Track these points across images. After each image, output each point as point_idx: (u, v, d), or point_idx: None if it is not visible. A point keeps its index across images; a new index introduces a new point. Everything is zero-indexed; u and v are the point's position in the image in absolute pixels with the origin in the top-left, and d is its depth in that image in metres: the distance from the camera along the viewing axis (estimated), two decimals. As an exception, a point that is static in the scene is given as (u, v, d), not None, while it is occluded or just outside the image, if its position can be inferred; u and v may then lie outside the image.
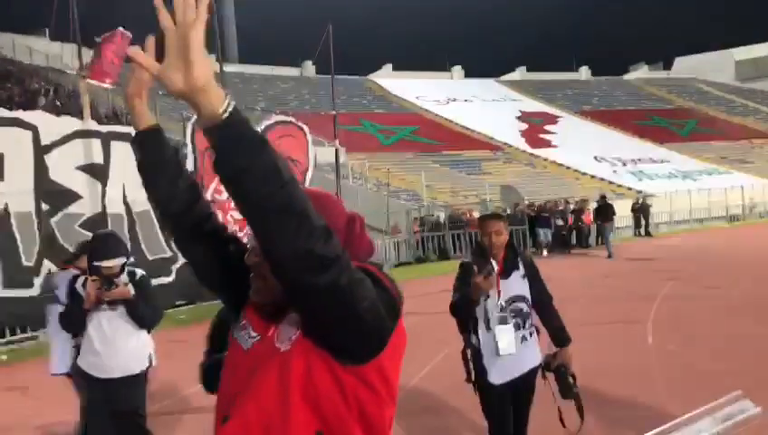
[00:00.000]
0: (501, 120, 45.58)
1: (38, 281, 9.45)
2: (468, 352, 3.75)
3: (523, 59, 62.30)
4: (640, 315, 9.09)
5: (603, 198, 20.91)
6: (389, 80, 54.13)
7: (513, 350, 3.61)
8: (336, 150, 18.88)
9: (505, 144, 41.35)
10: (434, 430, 5.34)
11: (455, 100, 51.01)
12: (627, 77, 62.55)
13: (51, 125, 9.98)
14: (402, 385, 6.62)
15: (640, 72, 63.40)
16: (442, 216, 22.75)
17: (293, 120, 15.79)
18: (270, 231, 1.29)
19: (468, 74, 59.33)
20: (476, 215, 22.83)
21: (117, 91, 20.09)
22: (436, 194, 28.83)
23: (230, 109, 1.25)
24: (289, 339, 1.50)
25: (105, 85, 13.62)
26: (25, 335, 9.92)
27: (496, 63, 60.10)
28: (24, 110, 10.23)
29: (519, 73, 60.19)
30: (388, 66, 57.06)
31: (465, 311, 3.70)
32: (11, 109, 13.13)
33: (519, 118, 47.94)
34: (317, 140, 17.65)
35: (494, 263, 3.69)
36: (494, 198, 26.43)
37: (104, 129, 11.04)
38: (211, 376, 2.32)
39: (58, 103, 28.31)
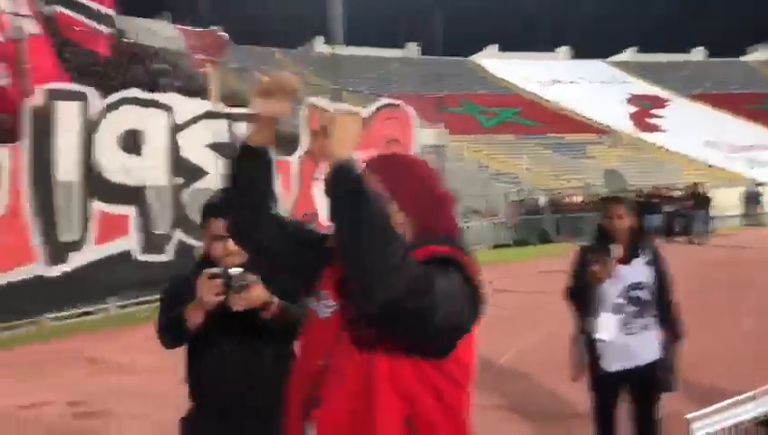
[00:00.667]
0: (608, 103, 44.53)
1: (170, 248, 10.49)
2: (582, 337, 3.67)
3: (635, 39, 60.11)
4: (736, 304, 9.15)
5: (696, 185, 20.86)
6: (493, 61, 53.77)
7: (611, 337, 3.50)
8: (439, 133, 19.32)
9: (611, 128, 40.48)
10: (518, 406, 5.45)
11: (559, 81, 50.13)
12: (744, 59, 59.42)
13: (183, 106, 10.97)
14: (490, 362, 7.01)
15: (759, 54, 60.05)
16: (542, 199, 22.82)
17: (400, 103, 16.39)
18: (367, 269, 1.39)
19: (575, 55, 58.04)
20: (579, 199, 22.77)
21: (233, 71, 21.29)
22: (537, 177, 28.79)
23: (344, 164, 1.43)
24: (370, 334, 1.55)
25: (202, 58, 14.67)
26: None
27: (606, 44, 58.21)
28: (149, 90, 11.27)
29: (629, 54, 58.30)
30: (493, 47, 56.62)
31: (580, 297, 3.65)
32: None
33: (627, 100, 46.66)
34: (419, 121, 18.16)
35: (615, 248, 3.55)
36: (598, 182, 26.16)
37: (230, 110, 12.00)
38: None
39: (177, 84, 30.11)
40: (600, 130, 39.94)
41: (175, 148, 10.62)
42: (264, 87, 1.65)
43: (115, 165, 9.76)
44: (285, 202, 12.63)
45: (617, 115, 42.56)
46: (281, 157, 12.87)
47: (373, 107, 15.67)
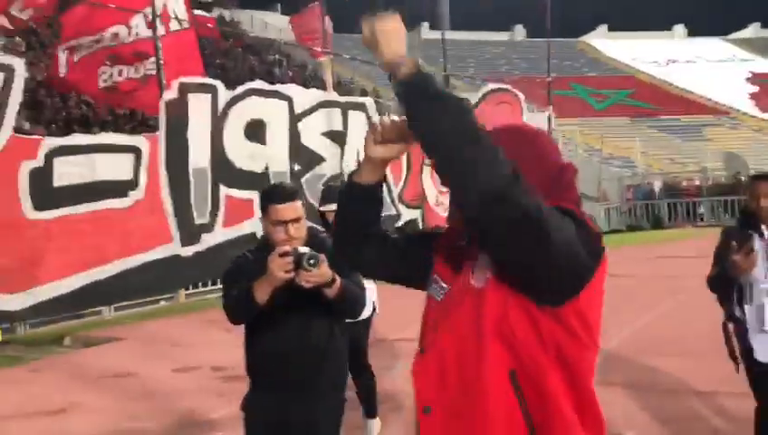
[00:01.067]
0: (727, 83, 42.35)
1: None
2: (731, 326, 3.43)
3: (757, 14, 56.75)
4: None
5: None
6: (604, 41, 52.19)
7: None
8: (549, 117, 19.15)
9: (731, 108, 38.52)
10: (637, 383, 5.52)
11: (675, 61, 48.09)
12: None
13: (301, 96, 11.48)
14: (607, 339, 7.07)
15: None
16: (657, 184, 22.18)
17: (510, 87, 16.35)
18: (458, 173, 1.38)
19: (692, 33, 55.42)
20: (696, 184, 21.95)
21: (338, 61, 21.82)
22: (652, 161, 27.91)
23: (413, 71, 1.44)
24: (485, 278, 1.51)
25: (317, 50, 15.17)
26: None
27: (725, 20, 55.32)
28: (263, 80, 11.82)
29: (752, 30, 55.13)
30: (603, 27, 54.93)
31: (722, 287, 3.42)
32: (251, 79, 15.03)
33: (748, 79, 44.22)
34: (528, 105, 18.05)
35: (764, 229, 3.32)
36: (716, 166, 25.10)
37: (343, 99, 12.42)
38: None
39: (290, 73, 31.17)
40: (719, 111, 38.11)
41: (295, 135, 11.15)
42: (382, 134, 1.65)
43: (241, 152, 10.38)
44: (395, 187, 12.99)
45: (737, 95, 40.43)
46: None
47: (482, 92, 15.72)
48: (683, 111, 37.57)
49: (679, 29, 55.64)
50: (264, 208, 2.75)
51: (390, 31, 1.48)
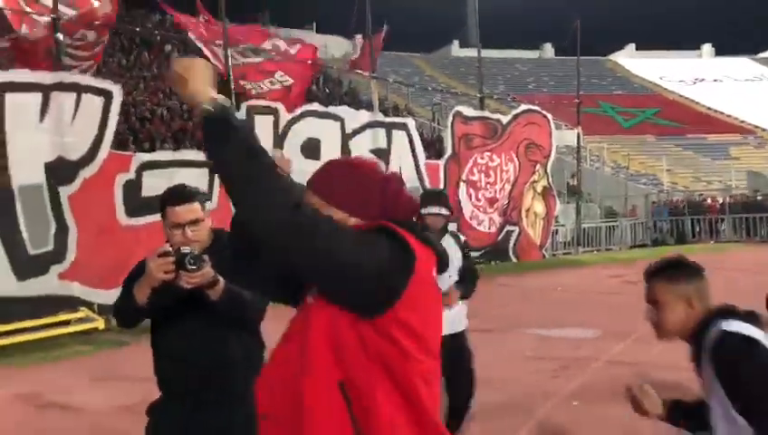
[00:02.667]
0: (755, 102, 42.76)
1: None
2: None
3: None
4: None
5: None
6: (631, 60, 52.85)
7: None
8: (578, 135, 20.09)
9: (758, 127, 38.98)
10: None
11: (702, 80, 48.59)
12: None
13: (352, 117, 12.63)
14: (621, 337, 7.86)
15: None
16: (681, 201, 23.02)
17: (539, 109, 17.34)
18: (239, 201, 1.53)
19: (719, 52, 55.85)
20: (719, 201, 22.70)
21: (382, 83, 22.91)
22: (677, 179, 28.61)
23: (211, 108, 1.52)
24: (315, 292, 1.61)
25: (365, 75, 16.28)
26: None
27: (754, 39, 55.73)
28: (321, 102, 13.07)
29: (780, 49, 55.39)
30: (631, 46, 55.60)
31: None
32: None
33: (777, 99, 44.57)
34: (556, 123, 18.89)
35: None
36: (741, 184, 25.79)
37: (388, 120, 13.57)
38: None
39: (327, 91, 32.39)
40: (745, 130, 38.60)
41: (346, 152, 12.27)
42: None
43: (297, 168, 11.51)
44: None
45: (763, 114, 40.83)
46: (431, 160, 14.28)
47: (513, 113, 16.71)
48: (709, 130, 38.13)
49: (707, 48, 56.09)
50: (161, 211, 2.65)
51: (196, 70, 1.57)
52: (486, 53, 53.05)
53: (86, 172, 8.40)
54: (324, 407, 1.51)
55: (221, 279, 2.46)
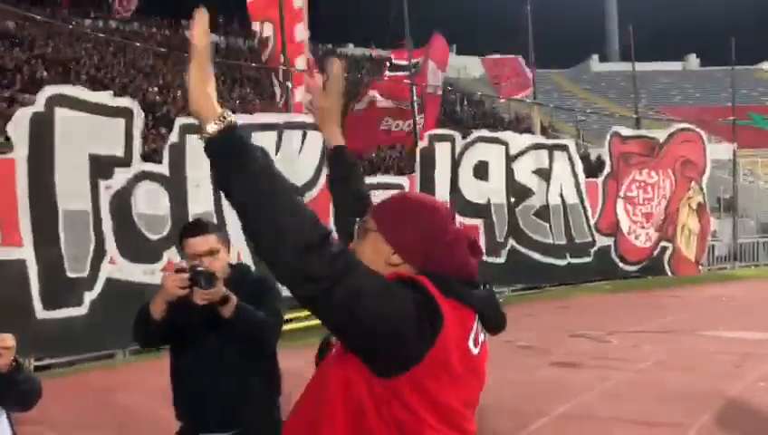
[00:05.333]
0: None
1: (504, 252, 13.31)
2: None
3: None
4: None
5: None
6: (783, 67, 50.44)
7: None
8: (734, 151, 20.16)
9: None
10: None
11: None
12: None
13: (516, 140, 13.84)
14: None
15: None
16: None
17: (693, 127, 17.74)
18: (256, 239, 1.38)
19: None
20: None
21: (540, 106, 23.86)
22: (838, 192, 27.48)
23: (218, 128, 1.40)
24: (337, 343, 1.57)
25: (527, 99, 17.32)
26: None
27: None
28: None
29: None
30: (783, 53, 53.04)
31: None
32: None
33: None
34: (708, 136, 19.05)
35: None
36: None
37: (549, 142, 14.67)
38: None
39: (472, 111, 33.71)
40: None
41: (510, 173, 13.48)
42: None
43: (470, 187, 12.85)
44: (592, 216, 14.90)
45: None
46: (590, 179, 15.16)
47: (668, 132, 17.24)
48: None
49: None
50: (180, 242, 2.85)
51: (205, 84, 1.44)
52: (626, 66, 52.58)
53: (310, 195, 10.10)
54: None
55: (233, 297, 2.59)
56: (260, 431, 2.76)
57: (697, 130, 17.67)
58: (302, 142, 10.13)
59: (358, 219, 1.77)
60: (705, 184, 17.48)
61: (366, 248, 1.59)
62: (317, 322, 1.48)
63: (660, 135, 16.83)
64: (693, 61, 52.54)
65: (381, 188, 11.45)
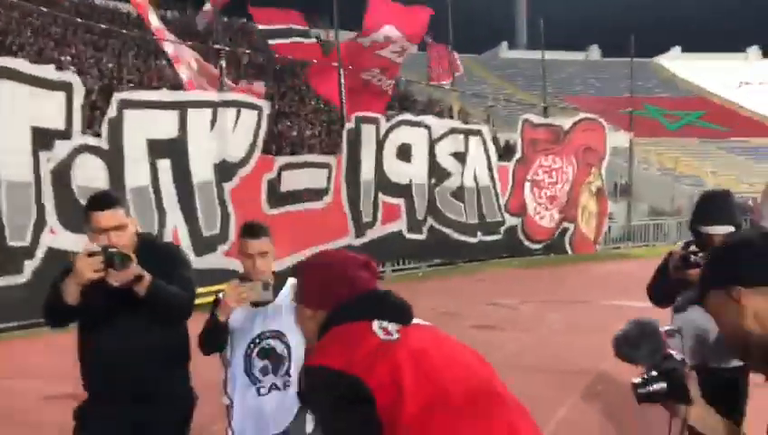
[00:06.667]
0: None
1: (425, 229, 14.09)
2: None
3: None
4: None
5: None
6: (677, 62, 53.79)
7: None
8: (630, 141, 21.74)
9: (802, 131, 39.95)
10: None
11: (748, 83, 49.44)
12: None
13: (437, 124, 14.62)
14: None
15: None
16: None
17: (596, 117, 19.07)
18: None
19: (766, 55, 56.37)
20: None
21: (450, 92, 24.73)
22: (721, 180, 29.98)
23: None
24: None
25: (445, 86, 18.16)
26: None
27: (800, 42, 56.13)
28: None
29: (827, 53, 55.74)
30: (677, 48, 56.46)
31: None
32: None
33: (821, 103, 45.31)
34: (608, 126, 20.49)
35: None
36: (782, 187, 27.13)
37: (465, 126, 15.54)
38: None
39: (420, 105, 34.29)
40: (790, 134, 39.56)
41: (432, 156, 14.25)
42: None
43: (393, 169, 13.53)
44: (502, 197, 15.92)
45: (810, 118, 41.72)
46: (502, 162, 16.14)
47: (573, 120, 18.49)
48: (753, 134, 39.22)
49: (754, 50, 56.63)
50: (85, 216, 2.74)
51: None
52: (534, 54, 54.52)
53: (243, 172, 10.49)
54: None
55: (147, 275, 2.59)
56: (173, 402, 2.85)
57: (599, 119, 19.04)
58: (237, 121, 10.47)
59: None
60: (605, 170, 18.90)
61: (298, 319, 1.95)
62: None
63: (565, 123, 18.04)
64: (595, 52, 55.09)
65: (309, 166, 12.01)
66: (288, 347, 3.06)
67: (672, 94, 47.70)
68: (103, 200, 2.79)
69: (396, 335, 1.74)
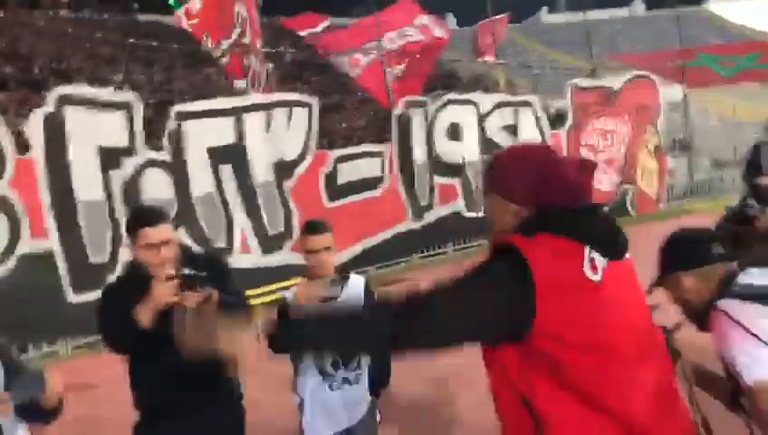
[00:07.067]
0: None
1: (481, 206, 14.18)
2: None
3: None
4: None
5: None
6: (726, 6, 51.90)
7: None
8: (684, 94, 21.21)
9: None
10: None
11: (804, 18, 47.38)
12: None
13: (484, 100, 14.62)
14: None
15: None
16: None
17: (647, 73, 18.71)
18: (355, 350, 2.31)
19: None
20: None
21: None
22: (785, 124, 28.92)
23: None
24: None
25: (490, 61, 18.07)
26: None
27: None
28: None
29: None
30: (724, -9, 54.45)
31: None
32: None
33: None
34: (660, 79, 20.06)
35: None
36: None
37: (514, 99, 15.55)
38: None
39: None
40: None
41: (482, 132, 14.29)
42: None
43: (445, 149, 13.63)
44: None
45: None
46: (554, 130, 16.03)
47: (624, 79, 18.16)
48: (815, 71, 37.57)
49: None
50: (133, 231, 2.69)
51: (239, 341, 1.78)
52: (575, 16, 53.42)
53: (300, 168, 10.77)
54: (514, 420, 1.71)
55: (215, 293, 2.59)
56: (229, 407, 2.91)
57: (650, 75, 18.67)
58: (289, 120, 10.74)
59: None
60: (661, 126, 18.55)
61: (489, 207, 1.84)
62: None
63: (615, 83, 17.75)
64: (639, 5, 53.63)
65: (365, 156, 12.21)
66: None
67: (724, 40, 46.02)
68: (153, 215, 2.76)
69: (598, 277, 1.66)
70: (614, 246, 1.75)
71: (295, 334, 1.74)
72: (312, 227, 3.15)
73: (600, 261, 1.68)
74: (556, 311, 1.60)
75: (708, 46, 44.71)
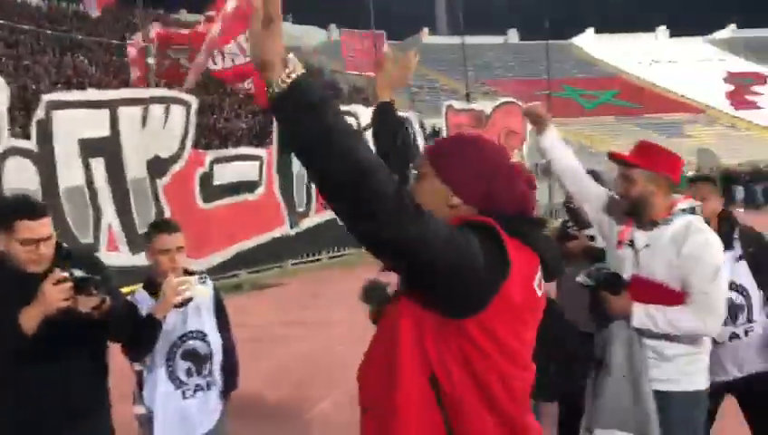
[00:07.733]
0: (705, 82, 45.96)
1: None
2: None
3: (735, 15, 60.40)
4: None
5: None
6: (592, 43, 55.69)
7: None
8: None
9: (708, 106, 42.14)
10: None
11: (658, 61, 51.72)
12: None
13: (363, 113, 14.93)
14: None
15: None
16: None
17: (515, 100, 19.77)
18: (335, 177, 1.33)
19: (674, 34, 58.99)
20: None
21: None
22: (635, 156, 31.41)
23: (287, 83, 1.32)
24: (402, 291, 1.58)
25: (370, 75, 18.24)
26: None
27: (707, 21, 58.93)
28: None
29: (729, 31, 58.74)
30: (591, 29, 58.41)
31: None
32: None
33: (725, 79, 47.87)
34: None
35: None
36: (691, 160, 28.70)
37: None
38: None
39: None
40: (697, 109, 41.72)
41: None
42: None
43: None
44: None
45: (714, 94, 44.02)
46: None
47: (494, 104, 19.12)
48: (664, 110, 41.16)
49: (662, 30, 59.17)
50: (8, 225, 2.41)
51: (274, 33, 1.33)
52: (454, 39, 55.23)
53: (175, 167, 10.57)
54: (416, 401, 1.52)
55: (107, 298, 2.39)
56: (102, 416, 2.73)
57: (519, 102, 19.76)
58: (166, 117, 10.52)
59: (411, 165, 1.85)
60: (526, 152, 19.66)
61: (424, 191, 1.60)
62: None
63: (487, 107, 18.65)
64: (514, 35, 56.36)
65: (240, 159, 12.16)
66: (210, 347, 3.05)
67: (588, 75, 49.40)
68: (35, 207, 2.51)
69: (540, 293, 1.61)
70: (558, 268, 1.69)
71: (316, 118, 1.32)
72: (165, 226, 3.01)
73: (539, 279, 1.62)
74: (504, 310, 1.50)
75: (573, 79, 47.91)
